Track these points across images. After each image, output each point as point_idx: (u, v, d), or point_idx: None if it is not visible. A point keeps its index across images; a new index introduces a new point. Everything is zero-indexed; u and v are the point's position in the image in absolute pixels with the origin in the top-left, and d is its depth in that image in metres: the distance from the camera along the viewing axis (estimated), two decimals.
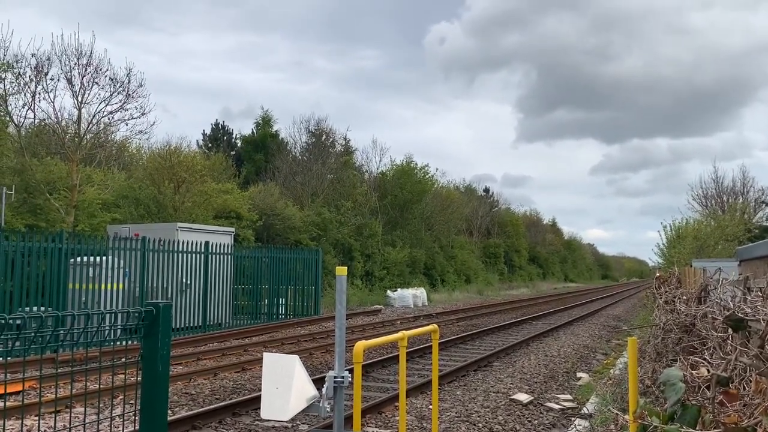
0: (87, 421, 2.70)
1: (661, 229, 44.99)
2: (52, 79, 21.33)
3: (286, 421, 7.64)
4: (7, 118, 21.44)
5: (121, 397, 8.77)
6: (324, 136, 41.42)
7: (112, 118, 22.66)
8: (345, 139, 43.05)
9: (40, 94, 21.27)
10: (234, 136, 47.01)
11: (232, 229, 21.93)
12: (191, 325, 17.73)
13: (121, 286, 15.47)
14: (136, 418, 2.70)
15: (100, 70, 21.82)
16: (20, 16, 62.35)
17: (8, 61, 20.67)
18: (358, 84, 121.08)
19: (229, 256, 19.70)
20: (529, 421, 8.39)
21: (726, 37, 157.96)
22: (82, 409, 8.12)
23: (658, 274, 8.50)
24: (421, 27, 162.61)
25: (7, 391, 9.11)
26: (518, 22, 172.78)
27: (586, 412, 8.38)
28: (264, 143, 43.31)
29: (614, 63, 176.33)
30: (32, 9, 64.13)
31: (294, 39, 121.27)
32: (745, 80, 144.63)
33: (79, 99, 21.85)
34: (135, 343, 10.32)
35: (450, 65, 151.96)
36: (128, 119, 22.71)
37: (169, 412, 7.97)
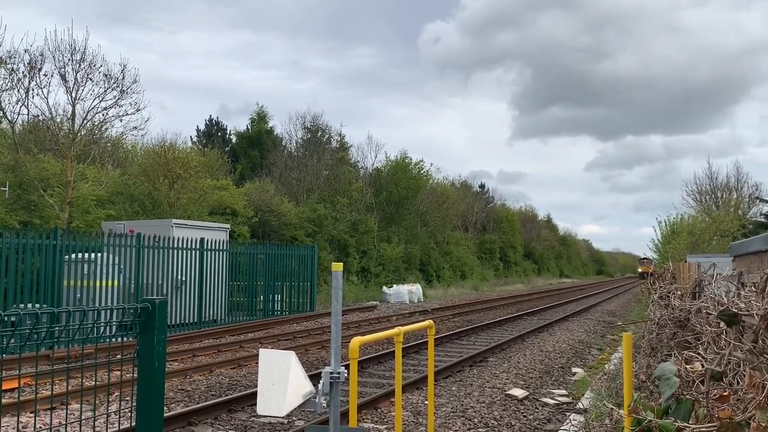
0: (83, 417, 2.70)
1: (656, 225, 45.26)
2: (45, 75, 21.27)
3: (282, 417, 7.65)
4: (0, 114, 21.35)
5: (117, 393, 8.77)
6: (320, 132, 41.37)
7: (107, 114, 22.59)
8: (340, 135, 43.03)
9: (33, 90, 21.19)
10: (228, 132, 46.93)
11: (228, 226, 21.90)
12: (187, 321, 17.71)
13: (116, 282, 15.43)
14: (132, 414, 2.71)
15: (94, 66, 21.76)
16: (19, 16, 62.14)
17: (1, 57, 20.58)
18: (353, 82, 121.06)
19: (225, 253, 19.68)
20: (525, 416, 8.41)
21: (719, 35, 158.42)
22: (78, 405, 8.13)
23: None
24: (416, 26, 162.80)
25: (3, 388, 9.09)
26: (512, 22, 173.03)
27: (581, 407, 8.42)
28: (259, 139, 43.24)
29: (608, 61, 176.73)
30: (31, 8, 63.91)
31: (290, 38, 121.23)
32: (738, 78, 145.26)
33: (73, 95, 21.79)
34: (130, 339, 10.30)
35: (445, 64, 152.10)
36: (123, 115, 22.65)
37: (165, 408, 7.96)
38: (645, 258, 79.05)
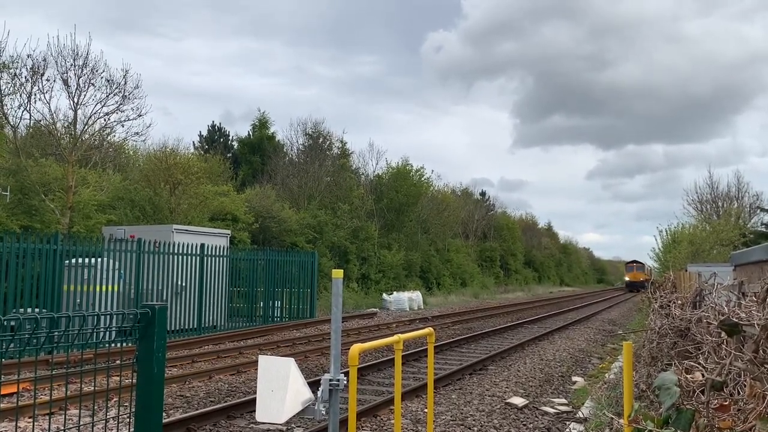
0: (81, 423, 2.69)
1: (657, 234, 45.17)
2: (47, 80, 21.30)
3: (281, 424, 7.62)
4: (3, 119, 21.39)
5: (116, 399, 8.74)
6: (321, 139, 41.44)
7: (108, 119, 22.63)
8: (341, 141, 43.11)
9: (35, 95, 21.23)
10: (230, 138, 47.01)
11: (228, 232, 21.90)
12: (186, 327, 17.69)
13: (116, 287, 15.42)
14: (131, 420, 2.70)
15: (96, 71, 21.79)
16: (25, 22, 62.40)
17: (4, 62, 20.63)
18: (356, 89, 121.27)
19: (225, 259, 19.68)
20: (524, 425, 8.39)
21: (721, 45, 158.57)
22: (77, 411, 8.10)
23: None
24: (418, 35, 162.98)
25: (2, 393, 9.08)
26: (514, 31, 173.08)
27: (581, 416, 8.39)
28: (260, 145, 43.30)
29: (610, 70, 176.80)
30: (37, 15, 64.18)
31: (294, 45, 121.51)
32: (739, 88, 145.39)
33: (75, 100, 21.82)
34: (130, 345, 10.27)
35: (447, 72, 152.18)
36: (124, 121, 22.68)
37: (164, 414, 7.94)
38: (634, 261, 66.90)
